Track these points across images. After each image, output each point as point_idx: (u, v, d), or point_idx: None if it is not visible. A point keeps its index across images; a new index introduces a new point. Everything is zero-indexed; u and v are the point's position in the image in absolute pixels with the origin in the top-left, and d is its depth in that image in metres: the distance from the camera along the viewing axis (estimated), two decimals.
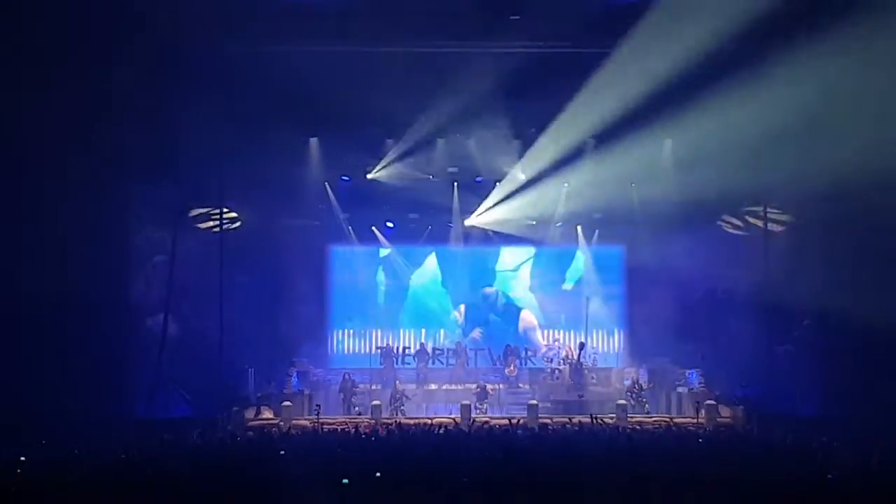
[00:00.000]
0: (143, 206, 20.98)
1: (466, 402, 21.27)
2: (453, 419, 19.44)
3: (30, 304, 18.70)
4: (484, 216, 25.26)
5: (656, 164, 22.69)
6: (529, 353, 25.60)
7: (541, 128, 22.34)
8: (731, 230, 22.96)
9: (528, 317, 26.53)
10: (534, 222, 25.46)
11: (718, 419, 20.27)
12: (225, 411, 20.42)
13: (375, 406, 21.13)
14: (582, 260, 26.52)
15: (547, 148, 22.77)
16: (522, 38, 19.66)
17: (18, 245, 18.25)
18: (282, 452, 13.08)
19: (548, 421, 19.52)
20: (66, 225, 18.52)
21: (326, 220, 25.04)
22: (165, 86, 19.20)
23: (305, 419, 20.45)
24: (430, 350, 25.26)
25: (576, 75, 20.05)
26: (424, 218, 25.68)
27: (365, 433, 16.62)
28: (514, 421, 18.21)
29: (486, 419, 19.71)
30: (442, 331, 26.15)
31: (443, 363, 25.15)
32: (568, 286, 26.63)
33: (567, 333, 25.77)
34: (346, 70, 19.83)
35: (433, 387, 23.65)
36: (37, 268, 18.57)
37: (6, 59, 17.29)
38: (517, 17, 19.22)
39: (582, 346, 23.77)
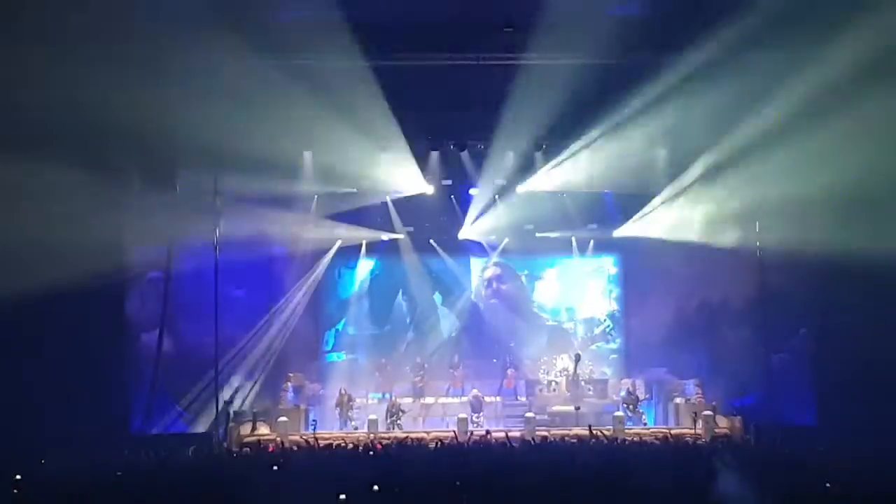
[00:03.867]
0: (139, 220, 20.89)
1: (463, 415, 21.24)
2: (451, 433, 19.40)
3: (25, 320, 18.64)
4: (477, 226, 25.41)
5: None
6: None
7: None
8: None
9: None
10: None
11: (716, 430, 20.25)
12: (220, 427, 20.35)
13: (372, 420, 21.08)
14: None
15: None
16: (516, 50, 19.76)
17: (14, 258, 18.14)
18: (274, 468, 13.01)
19: (545, 433, 19.49)
20: (61, 240, 18.42)
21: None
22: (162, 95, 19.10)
23: (302, 434, 20.38)
24: (425, 364, 25.15)
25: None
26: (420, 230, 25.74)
27: (361, 448, 16.57)
28: (510, 434, 18.19)
29: (483, 433, 19.67)
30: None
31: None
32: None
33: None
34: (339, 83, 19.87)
35: (430, 400, 23.56)
36: (31, 283, 18.50)
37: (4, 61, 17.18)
38: (510, 30, 19.34)
39: (578, 357, 23.73)
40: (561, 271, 26.69)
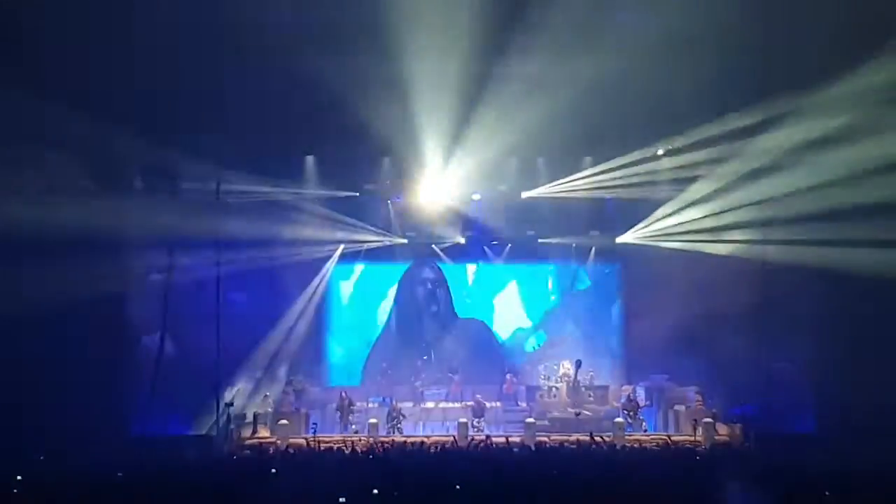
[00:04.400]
0: (140, 222, 20.93)
1: (464, 420, 21.25)
2: (451, 437, 19.42)
3: (26, 323, 18.66)
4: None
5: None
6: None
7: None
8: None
9: None
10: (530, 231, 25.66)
11: (716, 437, 20.25)
12: (221, 429, 20.37)
13: (372, 424, 21.10)
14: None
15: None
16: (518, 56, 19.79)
17: (16, 259, 18.17)
18: (273, 470, 13.03)
19: (545, 439, 19.50)
20: (64, 241, 18.45)
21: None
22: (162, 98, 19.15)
23: (302, 437, 20.40)
24: (425, 367, 25.20)
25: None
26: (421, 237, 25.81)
27: (362, 452, 16.58)
28: (511, 439, 18.20)
29: (484, 437, 19.68)
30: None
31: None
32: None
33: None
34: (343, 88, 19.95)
35: (430, 405, 23.59)
36: (34, 286, 18.53)
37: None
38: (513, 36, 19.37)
39: (579, 363, 23.74)
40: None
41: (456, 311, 26.71)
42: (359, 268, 26.43)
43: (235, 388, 22.29)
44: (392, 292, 26.64)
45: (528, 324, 26.63)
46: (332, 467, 13.90)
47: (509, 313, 26.75)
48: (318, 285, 25.40)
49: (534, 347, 26.17)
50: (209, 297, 21.27)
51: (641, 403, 22.82)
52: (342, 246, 25.35)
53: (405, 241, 25.64)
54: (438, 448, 16.83)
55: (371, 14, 17.35)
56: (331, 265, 25.58)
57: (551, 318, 26.59)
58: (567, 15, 17.44)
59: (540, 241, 25.74)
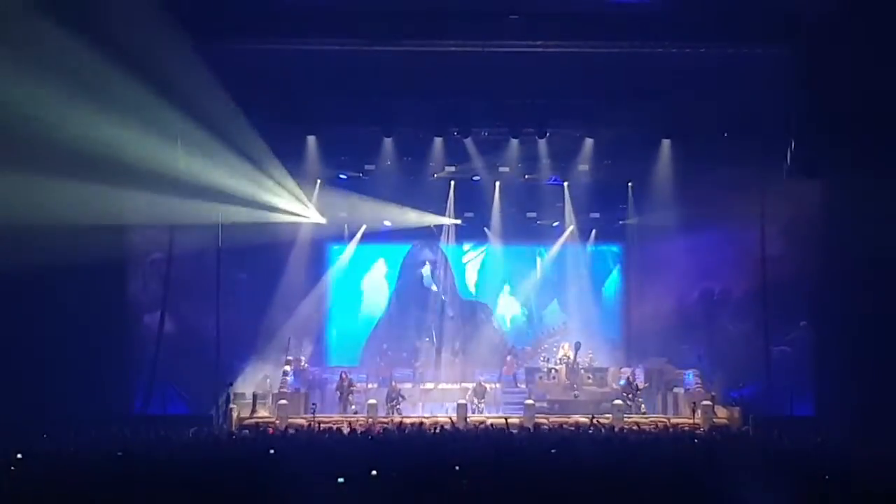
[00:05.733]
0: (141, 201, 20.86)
1: (463, 401, 21.27)
2: (450, 418, 19.46)
3: (28, 301, 18.68)
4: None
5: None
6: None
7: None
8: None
9: None
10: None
11: (714, 420, 20.28)
12: (221, 409, 20.41)
13: (372, 405, 21.10)
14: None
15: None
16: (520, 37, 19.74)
17: (16, 240, 18.14)
18: (272, 450, 13.05)
19: (544, 421, 19.53)
20: (64, 219, 18.41)
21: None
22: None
23: (302, 417, 20.45)
24: (425, 348, 25.22)
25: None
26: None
27: (361, 432, 16.62)
28: (510, 420, 18.24)
29: (483, 419, 19.72)
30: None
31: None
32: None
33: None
34: (345, 68, 19.91)
35: (429, 386, 23.61)
36: (35, 264, 18.54)
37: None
38: (515, 17, 19.34)
39: (578, 345, 23.74)
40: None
41: (458, 292, 26.77)
42: (360, 249, 26.39)
43: (235, 367, 22.25)
44: (394, 273, 26.68)
45: (528, 306, 26.63)
46: (331, 447, 13.93)
47: (510, 295, 26.76)
48: (321, 264, 25.39)
49: (533, 329, 26.13)
50: (210, 276, 21.25)
51: (640, 386, 22.83)
52: (346, 225, 25.34)
53: (409, 221, 25.56)
54: (437, 429, 16.89)
55: None
56: (333, 245, 25.58)
57: (550, 299, 26.58)
58: None
59: (540, 222, 25.69)
